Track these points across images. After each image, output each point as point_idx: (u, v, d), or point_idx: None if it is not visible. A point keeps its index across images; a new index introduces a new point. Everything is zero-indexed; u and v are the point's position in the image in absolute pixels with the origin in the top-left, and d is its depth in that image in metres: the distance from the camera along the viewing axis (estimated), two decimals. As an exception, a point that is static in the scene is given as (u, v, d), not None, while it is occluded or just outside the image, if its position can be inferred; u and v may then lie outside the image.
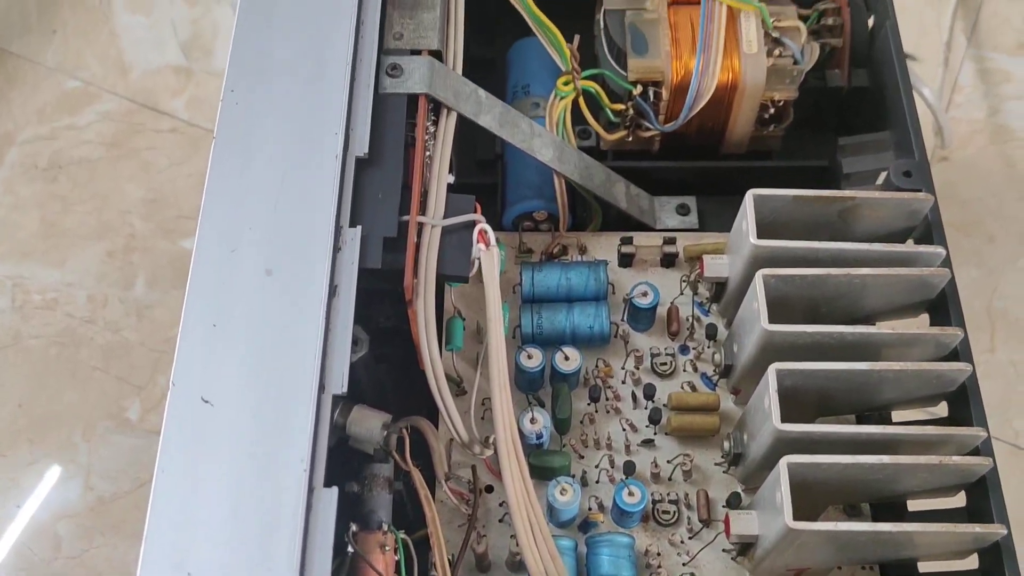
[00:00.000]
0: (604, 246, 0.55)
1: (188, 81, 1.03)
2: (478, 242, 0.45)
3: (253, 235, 0.41)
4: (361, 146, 0.44)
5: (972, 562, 0.44)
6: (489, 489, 0.49)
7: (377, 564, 0.42)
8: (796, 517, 0.40)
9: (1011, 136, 0.93)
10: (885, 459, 0.41)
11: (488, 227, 0.45)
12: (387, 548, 0.42)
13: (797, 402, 0.44)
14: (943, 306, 0.47)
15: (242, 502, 0.36)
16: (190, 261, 0.41)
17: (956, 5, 0.97)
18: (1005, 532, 0.41)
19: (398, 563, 0.43)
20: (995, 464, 0.43)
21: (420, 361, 0.45)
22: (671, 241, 0.55)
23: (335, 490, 0.38)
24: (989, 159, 0.91)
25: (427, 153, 0.47)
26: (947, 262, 0.47)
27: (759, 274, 0.45)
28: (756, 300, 0.45)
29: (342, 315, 0.41)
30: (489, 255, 0.44)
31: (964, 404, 0.45)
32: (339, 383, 0.39)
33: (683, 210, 0.58)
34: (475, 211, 0.45)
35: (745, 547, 0.46)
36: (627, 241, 0.55)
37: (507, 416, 0.45)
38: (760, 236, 0.47)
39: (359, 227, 0.43)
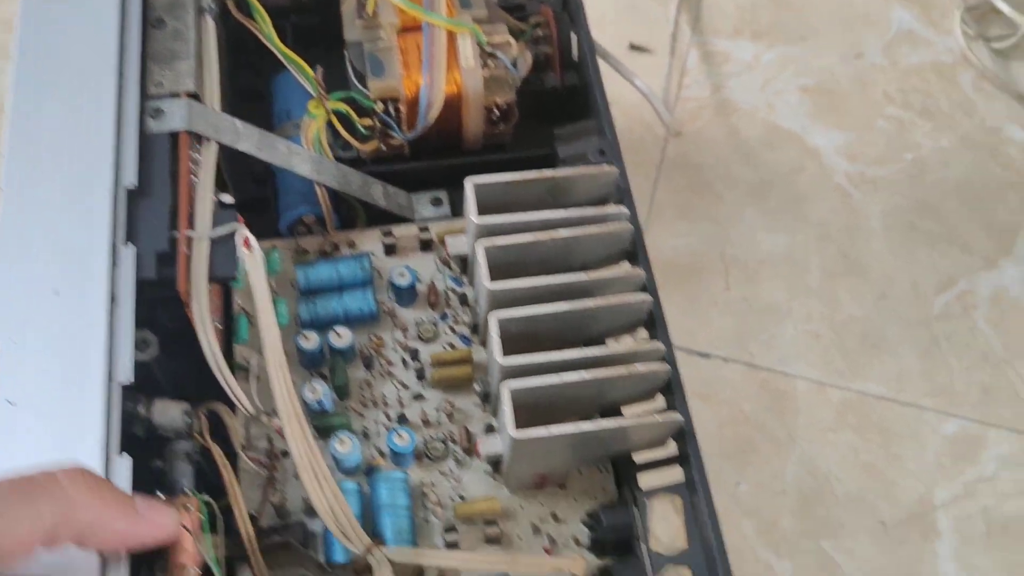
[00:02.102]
0: (370, 240, 0.63)
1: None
2: (243, 247, 0.51)
3: (41, 261, 0.47)
4: (130, 178, 0.50)
5: (673, 449, 0.53)
6: (285, 454, 0.56)
7: (183, 522, 0.48)
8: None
9: (733, 109, 1.05)
10: (585, 374, 0.50)
11: (250, 234, 0.52)
12: (191, 508, 0.49)
13: (526, 342, 0.52)
14: (635, 253, 0.56)
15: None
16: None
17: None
18: (682, 418, 0.50)
19: (202, 521, 0.49)
20: (676, 369, 0.52)
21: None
22: (425, 229, 0.63)
23: (128, 457, 0.44)
24: (715, 130, 1.03)
25: (194, 179, 0.53)
26: (633, 219, 0.56)
27: (478, 244, 0.54)
28: (479, 266, 0.53)
29: (124, 321, 0.47)
30: (252, 256, 0.51)
31: (653, 326, 0.54)
32: (126, 375, 0.45)
33: (437, 202, 0.65)
34: (238, 222, 0.52)
35: (496, 464, 0.54)
36: (388, 233, 0.62)
37: (284, 386, 0.51)
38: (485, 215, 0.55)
39: (133, 246, 0.49)
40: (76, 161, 0.50)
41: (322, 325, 0.58)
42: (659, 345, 0.52)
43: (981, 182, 1.10)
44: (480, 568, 0.48)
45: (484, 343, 0.59)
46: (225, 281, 0.52)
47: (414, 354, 0.59)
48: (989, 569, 0.88)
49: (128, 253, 0.48)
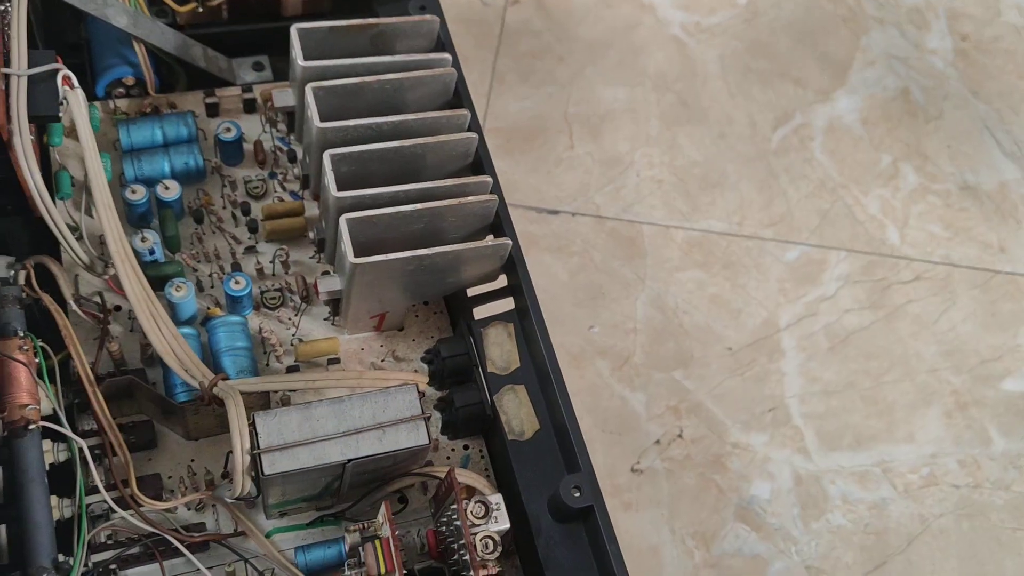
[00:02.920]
0: (192, 102, 0.61)
1: None
2: (63, 85, 0.49)
3: None
4: (-68, 13, 0.47)
5: (503, 281, 0.56)
6: (117, 308, 0.54)
7: (17, 367, 0.47)
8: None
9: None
10: (419, 206, 0.52)
11: (70, 72, 0.50)
12: (26, 349, 0.47)
13: (359, 185, 0.53)
14: (457, 96, 0.58)
15: None
16: None
17: None
18: (511, 242, 0.53)
19: (39, 364, 0.48)
20: (504, 203, 0.54)
21: (30, 200, 0.50)
22: (249, 89, 0.62)
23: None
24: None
25: (4, 22, 0.50)
26: (456, 64, 0.58)
27: (308, 87, 0.54)
28: (308, 108, 0.54)
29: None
30: (74, 94, 0.49)
31: (480, 166, 0.56)
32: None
33: (258, 67, 0.65)
34: (56, 62, 0.50)
35: (336, 305, 0.55)
36: (211, 94, 0.61)
37: (114, 229, 0.50)
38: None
39: (-59, 79, 0.46)
40: None
41: (149, 182, 0.57)
42: (486, 178, 0.54)
43: (813, 19, 1.17)
44: (327, 385, 0.49)
45: (316, 196, 0.59)
46: (48, 121, 0.50)
47: (245, 209, 0.58)
48: (832, 378, 0.95)
49: (-65, 87, 0.46)
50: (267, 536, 0.49)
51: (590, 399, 0.50)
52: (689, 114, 1.07)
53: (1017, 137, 1.27)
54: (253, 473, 0.46)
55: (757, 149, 1.08)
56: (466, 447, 0.55)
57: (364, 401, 0.47)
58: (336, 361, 0.55)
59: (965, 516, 0.99)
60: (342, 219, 0.50)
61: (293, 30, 0.55)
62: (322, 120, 0.53)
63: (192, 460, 0.51)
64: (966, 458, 1.03)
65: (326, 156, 0.52)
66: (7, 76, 0.49)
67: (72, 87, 0.50)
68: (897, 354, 1.02)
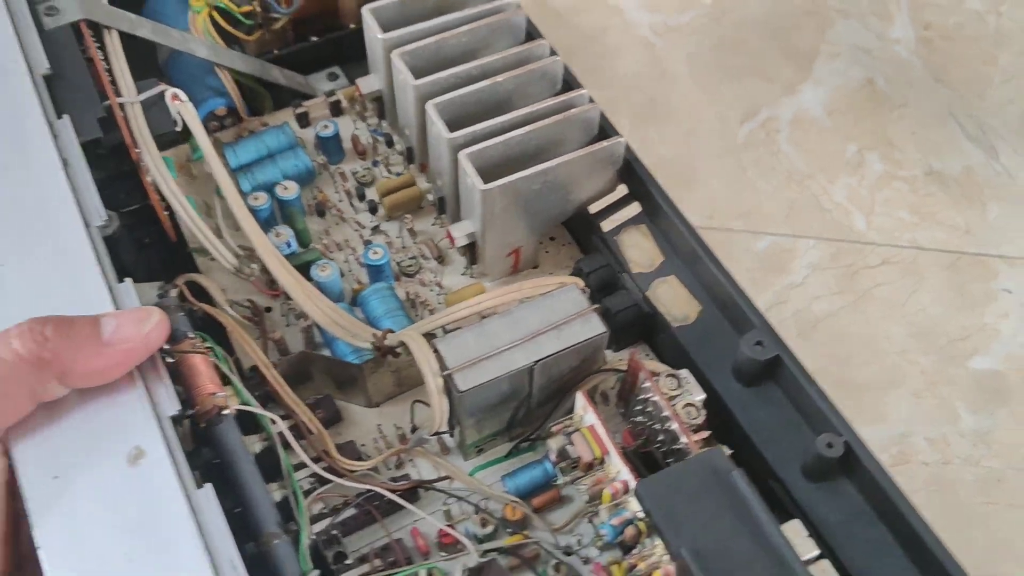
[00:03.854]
0: (282, 119, 0.63)
1: None
2: (172, 103, 0.52)
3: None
4: (43, 65, 0.50)
5: (622, 191, 0.56)
6: (268, 309, 0.56)
7: (197, 360, 0.47)
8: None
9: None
10: (527, 128, 0.52)
11: (178, 90, 0.52)
12: (199, 347, 0.48)
13: (463, 125, 0.54)
14: (528, 35, 0.59)
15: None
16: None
17: None
18: (624, 139, 0.53)
19: (216, 365, 0.49)
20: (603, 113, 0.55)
21: (164, 224, 0.52)
22: (332, 94, 0.64)
23: (129, 280, 0.43)
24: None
25: (102, 58, 0.53)
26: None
27: (394, 53, 0.55)
28: (400, 72, 0.55)
29: (82, 177, 0.46)
30: (186, 107, 0.51)
31: (569, 86, 0.57)
32: (100, 217, 0.45)
33: (332, 77, 0.67)
34: (160, 85, 0.52)
35: (471, 252, 0.56)
36: (298, 105, 0.63)
37: (251, 223, 0.51)
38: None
39: (66, 116, 0.48)
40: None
41: (265, 190, 0.58)
42: (582, 91, 0.55)
43: (778, 15, 1.17)
44: (495, 303, 0.49)
45: (422, 167, 0.60)
46: (167, 137, 0.52)
47: (360, 193, 0.60)
48: (803, 363, 0.94)
49: (65, 123, 0.48)
50: (470, 475, 0.49)
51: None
52: (658, 112, 1.07)
53: (981, 121, 1.25)
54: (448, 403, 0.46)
55: (726, 144, 1.08)
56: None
57: (531, 308, 0.47)
58: (485, 305, 0.55)
59: (936, 492, 0.96)
60: (461, 155, 0.51)
61: (365, 11, 0.57)
62: (416, 78, 0.54)
63: (379, 424, 0.52)
64: (936, 436, 1.01)
65: (430, 106, 0.53)
66: (122, 105, 0.51)
67: (181, 100, 0.52)
68: (866, 337, 1.01)
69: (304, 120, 0.63)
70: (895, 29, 1.28)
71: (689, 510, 0.40)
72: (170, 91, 0.52)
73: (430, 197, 0.58)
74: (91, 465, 0.38)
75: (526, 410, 0.49)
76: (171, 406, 0.40)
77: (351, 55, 0.67)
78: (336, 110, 0.64)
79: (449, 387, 0.45)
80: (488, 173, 0.51)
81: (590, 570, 0.46)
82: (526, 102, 0.56)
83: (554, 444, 0.46)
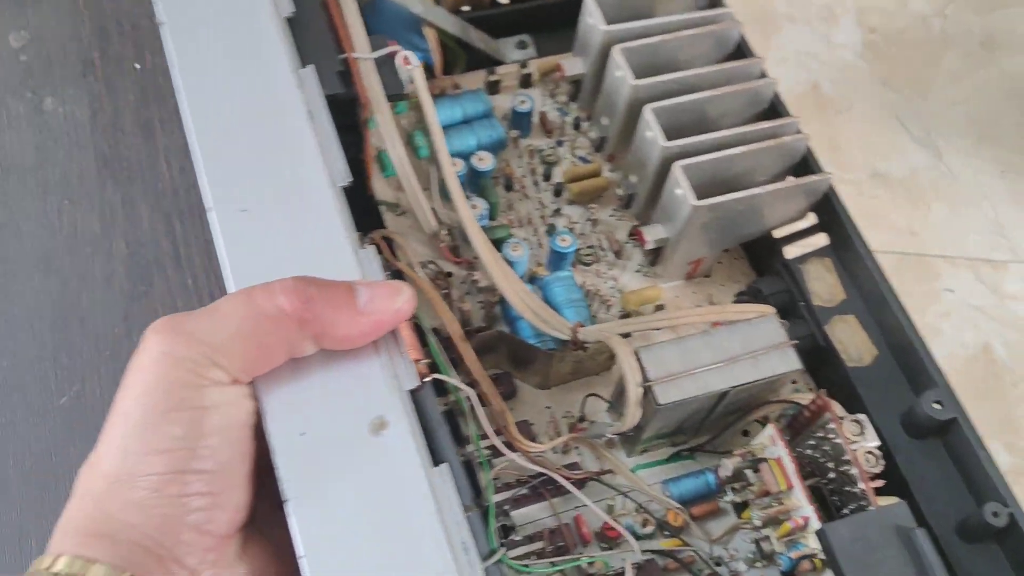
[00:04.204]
0: (472, 81, 0.64)
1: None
2: (404, 64, 0.52)
3: (231, 91, 0.47)
4: (287, 7, 0.50)
5: (811, 219, 0.57)
6: (449, 275, 0.57)
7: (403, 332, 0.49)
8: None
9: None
10: (741, 149, 0.53)
11: (408, 52, 0.52)
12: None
13: (673, 135, 0.54)
14: (738, 48, 0.59)
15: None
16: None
17: None
18: (831, 176, 0.54)
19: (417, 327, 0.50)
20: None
21: (369, 175, 0.53)
22: (525, 65, 0.64)
23: (372, 247, 0.45)
24: None
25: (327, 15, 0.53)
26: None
27: (615, 48, 0.56)
28: (619, 68, 0.56)
29: (327, 132, 0.47)
30: (417, 70, 0.52)
31: (775, 110, 0.57)
32: (343, 178, 0.46)
33: (521, 45, 0.67)
34: (389, 44, 0.53)
35: (656, 255, 0.57)
36: (492, 71, 0.63)
37: (464, 204, 0.53)
38: (604, 27, 0.57)
39: (311, 66, 0.49)
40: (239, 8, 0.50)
41: (460, 156, 0.59)
42: (793, 119, 0.55)
43: None
44: (691, 321, 0.50)
45: (610, 158, 0.61)
46: (397, 99, 0.53)
47: (547, 174, 0.61)
48: None
49: (309, 73, 0.48)
50: (632, 472, 0.51)
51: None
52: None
53: (927, 124, 1.24)
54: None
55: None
56: (793, 382, 0.56)
57: (731, 333, 0.48)
58: (660, 308, 0.57)
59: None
60: (676, 166, 0.52)
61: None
62: (635, 78, 0.55)
63: (548, 407, 0.53)
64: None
65: (648, 110, 0.54)
66: (356, 60, 0.51)
67: (410, 63, 0.52)
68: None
69: (494, 88, 0.64)
70: (840, 33, 1.27)
71: (871, 559, 0.42)
72: (402, 53, 0.52)
73: (619, 191, 0.59)
74: (336, 429, 0.39)
75: (699, 424, 0.51)
76: (411, 380, 0.41)
77: (542, 26, 0.67)
78: (525, 81, 0.64)
79: (649, 395, 0.47)
80: (697, 186, 0.52)
81: (740, 586, 0.49)
82: (731, 120, 0.57)
83: (731, 464, 0.48)
